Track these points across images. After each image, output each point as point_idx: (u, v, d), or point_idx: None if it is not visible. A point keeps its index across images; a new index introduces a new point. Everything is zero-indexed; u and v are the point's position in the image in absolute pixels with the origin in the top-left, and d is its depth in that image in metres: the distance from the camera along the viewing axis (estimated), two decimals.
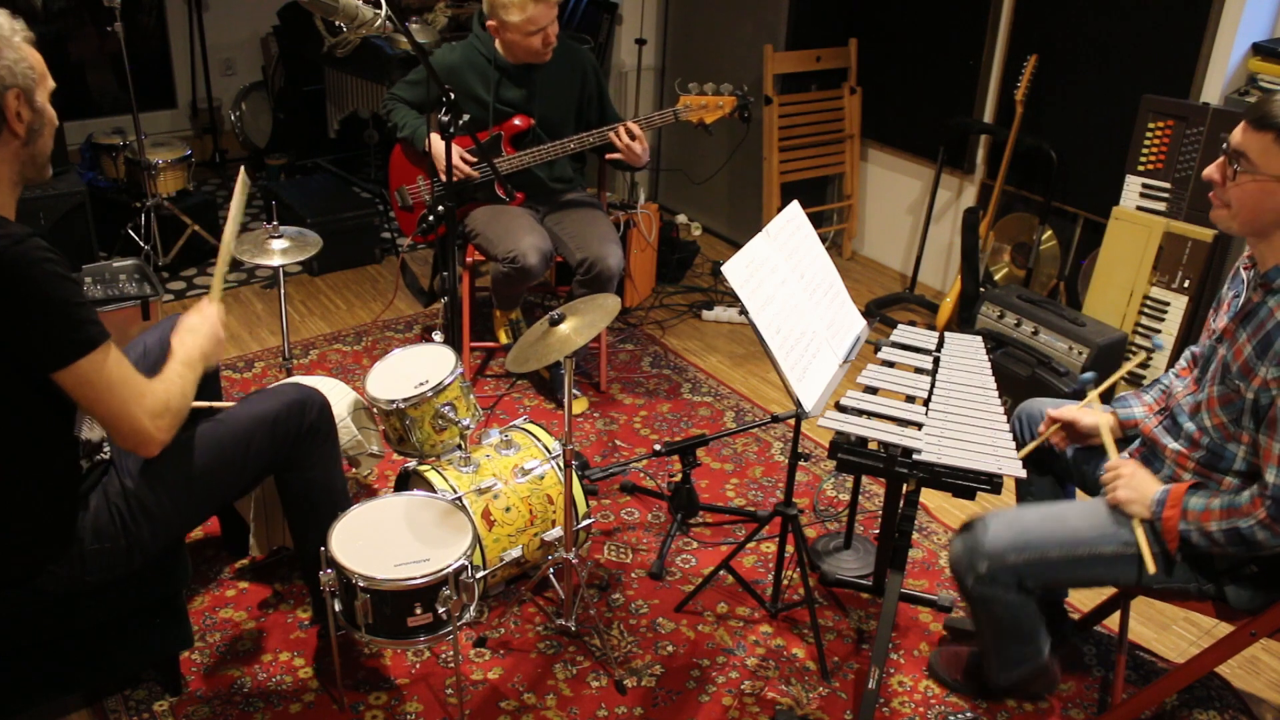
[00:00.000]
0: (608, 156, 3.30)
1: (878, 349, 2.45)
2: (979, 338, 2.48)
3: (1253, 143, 1.78)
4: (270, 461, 2.13)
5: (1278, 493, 1.77)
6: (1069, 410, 2.22)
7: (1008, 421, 2.16)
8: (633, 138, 3.19)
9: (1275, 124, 1.75)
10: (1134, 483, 2.00)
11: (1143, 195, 3.38)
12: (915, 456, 2.02)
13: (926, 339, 2.49)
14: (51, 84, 1.81)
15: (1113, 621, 2.57)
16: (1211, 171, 1.88)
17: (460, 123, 2.59)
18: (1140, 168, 3.38)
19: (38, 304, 1.66)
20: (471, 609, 2.13)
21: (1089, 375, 2.35)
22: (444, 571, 2.03)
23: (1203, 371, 2.02)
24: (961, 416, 2.17)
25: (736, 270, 2.16)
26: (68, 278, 1.70)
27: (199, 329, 2.00)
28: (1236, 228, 1.87)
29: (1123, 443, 2.18)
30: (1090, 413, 2.20)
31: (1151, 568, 1.95)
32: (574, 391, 3.42)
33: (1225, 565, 1.97)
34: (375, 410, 2.60)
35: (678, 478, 2.78)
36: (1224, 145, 1.86)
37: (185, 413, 1.89)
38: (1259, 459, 1.84)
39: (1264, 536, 1.79)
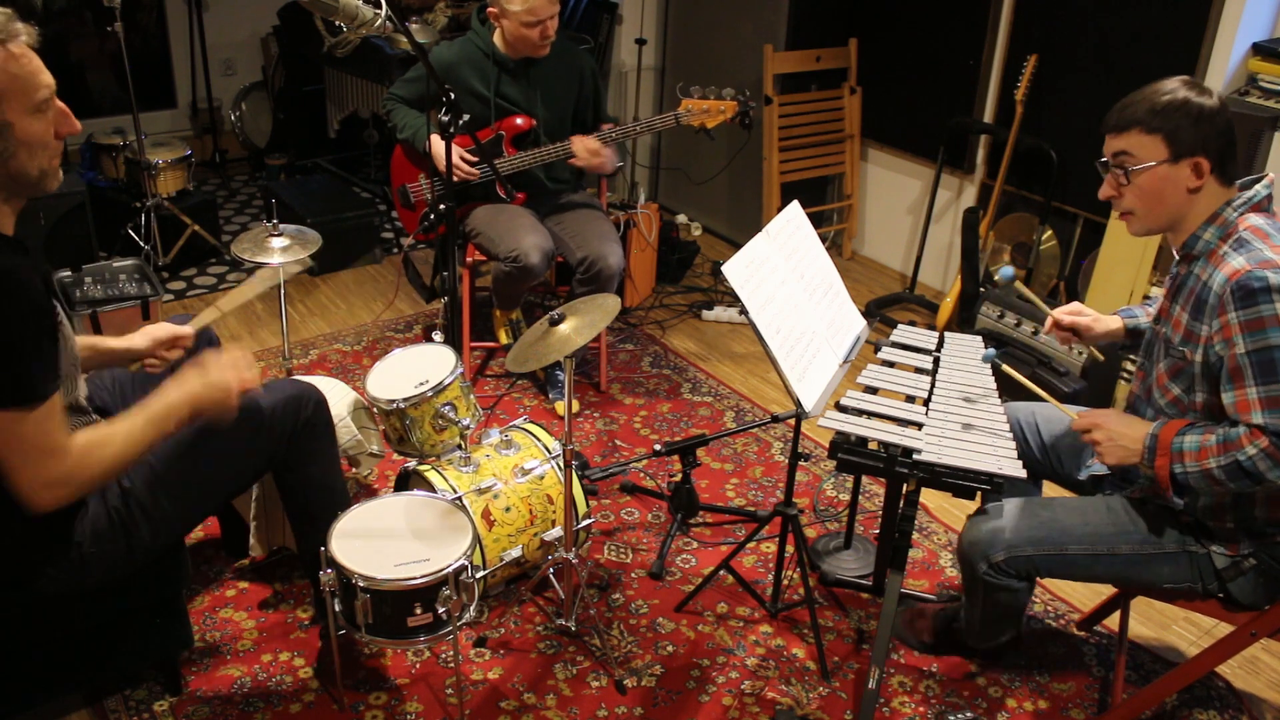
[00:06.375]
0: (570, 162, 3.28)
1: (878, 349, 2.45)
2: (979, 338, 2.48)
3: (1124, 143, 1.87)
4: (268, 458, 2.12)
5: (1279, 428, 1.74)
6: (1074, 312, 2.21)
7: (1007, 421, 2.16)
8: (593, 153, 3.18)
9: (1134, 119, 1.85)
10: (1115, 436, 1.95)
11: None
12: (915, 456, 2.02)
13: (926, 339, 2.49)
14: (40, 95, 1.62)
15: (1113, 621, 2.57)
16: (1105, 190, 1.94)
17: (460, 122, 2.59)
18: None
19: None
20: (471, 609, 2.12)
21: (1008, 271, 2.33)
22: (444, 571, 2.03)
23: (1146, 357, 2.06)
24: (962, 416, 2.17)
25: (736, 270, 2.16)
26: (28, 321, 1.59)
27: (198, 380, 1.86)
28: (1152, 225, 1.93)
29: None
30: (1093, 316, 2.20)
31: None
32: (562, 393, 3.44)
33: (1226, 561, 1.97)
34: (375, 410, 2.60)
35: (678, 478, 2.78)
36: (1102, 164, 1.94)
37: (98, 480, 1.77)
38: (1229, 413, 1.81)
39: (1266, 466, 1.76)
